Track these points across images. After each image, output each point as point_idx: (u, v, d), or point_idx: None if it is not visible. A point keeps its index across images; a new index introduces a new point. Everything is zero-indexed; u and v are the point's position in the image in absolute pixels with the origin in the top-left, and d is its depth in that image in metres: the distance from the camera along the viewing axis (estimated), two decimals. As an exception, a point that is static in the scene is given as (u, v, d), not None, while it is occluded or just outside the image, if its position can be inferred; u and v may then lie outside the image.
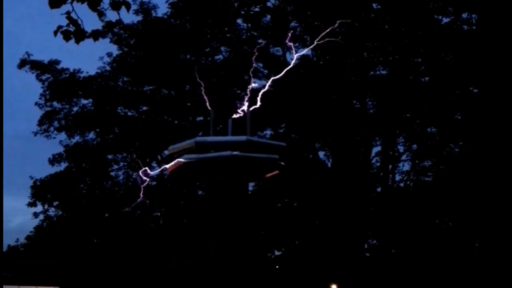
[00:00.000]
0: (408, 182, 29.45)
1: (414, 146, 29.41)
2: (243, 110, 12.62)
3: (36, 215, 31.38)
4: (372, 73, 29.47)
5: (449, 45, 27.45)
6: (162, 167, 13.26)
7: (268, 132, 30.30)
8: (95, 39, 7.38)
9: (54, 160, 31.41)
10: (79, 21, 7.00)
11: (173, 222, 30.49)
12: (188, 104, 30.61)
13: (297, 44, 29.88)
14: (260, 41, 30.06)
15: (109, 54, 31.35)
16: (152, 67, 29.56)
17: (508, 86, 23.68)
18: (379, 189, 29.45)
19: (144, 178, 12.49)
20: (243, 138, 12.47)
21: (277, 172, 13.13)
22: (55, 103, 31.58)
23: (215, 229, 12.28)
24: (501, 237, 23.40)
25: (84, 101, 31.73)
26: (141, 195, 12.54)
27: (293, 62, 15.28)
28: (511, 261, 22.53)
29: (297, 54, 15.64)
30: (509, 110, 23.65)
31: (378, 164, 29.38)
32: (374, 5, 29.40)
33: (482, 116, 25.36)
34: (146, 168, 13.09)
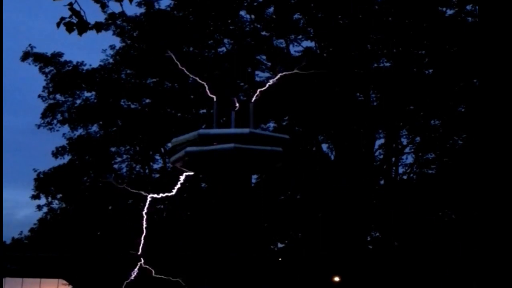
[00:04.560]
0: (411, 175, 29.42)
1: (418, 138, 29.35)
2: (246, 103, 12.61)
3: (39, 207, 31.46)
4: (375, 65, 29.38)
5: (453, 37, 27.33)
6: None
7: (272, 125, 30.28)
8: (98, 30, 7.37)
9: (57, 152, 31.44)
10: (82, 13, 6.98)
11: (177, 214, 30.52)
12: (192, 96, 30.57)
13: (300, 36, 29.86)
14: (263, 33, 30.00)
15: (112, 47, 31.33)
16: (155, 59, 29.50)
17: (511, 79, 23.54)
18: (382, 182, 29.41)
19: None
20: (246, 130, 12.42)
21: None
22: (58, 96, 31.63)
23: (218, 221, 12.28)
24: (505, 230, 23.34)
25: (87, 94, 31.79)
26: None
27: None
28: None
29: None
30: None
31: (382, 156, 29.34)
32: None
33: (485, 108, 25.25)
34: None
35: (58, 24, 6.99)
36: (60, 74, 31.12)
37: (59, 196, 31.62)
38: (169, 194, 12.99)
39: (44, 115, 31.53)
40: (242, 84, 29.90)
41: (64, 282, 33.55)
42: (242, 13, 30.55)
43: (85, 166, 31.65)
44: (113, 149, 32.09)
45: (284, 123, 30.24)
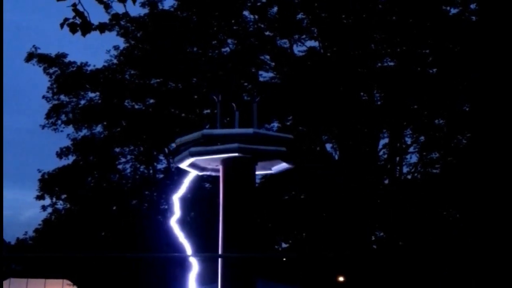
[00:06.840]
0: (415, 174, 29.36)
1: (422, 138, 29.30)
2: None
3: (44, 208, 31.57)
4: (379, 64, 29.34)
5: (457, 36, 27.28)
6: None
7: (275, 125, 30.28)
8: (102, 31, 7.37)
9: (61, 153, 31.54)
10: (86, 14, 6.98)
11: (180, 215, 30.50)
12: (195, 96, 30.60)
13: (304, 36, 29.84)
14: (267, 33, 29.99)
15: (116, 47, 31.40)
16: (159, 60, 29.54)
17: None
18: (386, 181, 29.38)
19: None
20: (250, 130, 12.39)
21: None
22: (62, 97, 31.72)
23: (222, 222, 12.28)
24: (508, 230, 23.31)
25: (91, 94, 31.87)
26: None
27: None
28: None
29: None
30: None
31: (386, 156, 29.30)
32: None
33: (489, 107, 25.22)
34: None
35: (61, 25, 7.00)
36: (64, 75, 31.19)
37: (63, 196, 31.72)
38: None
39: (48, 116, 31.63)
40: (245, 84, 29.91)
41: (69, 282, 33.63)
42: (246, 13, 30.58)
43: (90, 167, 31.74)
44: (117, 149, 32.18)
45: (288, 123, 30.24)
